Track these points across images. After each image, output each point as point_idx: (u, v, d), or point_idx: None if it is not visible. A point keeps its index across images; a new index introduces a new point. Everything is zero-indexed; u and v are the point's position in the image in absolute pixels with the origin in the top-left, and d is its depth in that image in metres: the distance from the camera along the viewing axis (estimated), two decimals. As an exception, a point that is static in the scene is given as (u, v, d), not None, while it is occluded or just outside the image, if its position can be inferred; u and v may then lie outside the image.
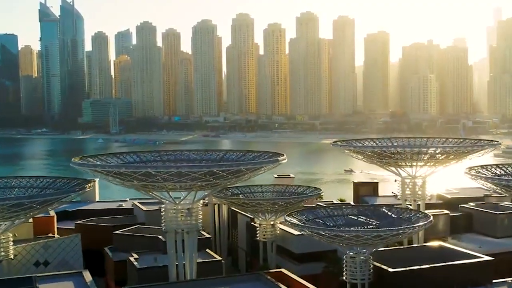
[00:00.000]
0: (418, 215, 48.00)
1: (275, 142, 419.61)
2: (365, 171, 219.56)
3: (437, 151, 60.02)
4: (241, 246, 71.96)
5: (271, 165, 48.86)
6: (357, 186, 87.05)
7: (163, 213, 50.20)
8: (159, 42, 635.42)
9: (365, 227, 47.80)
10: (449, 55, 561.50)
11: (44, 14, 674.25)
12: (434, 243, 54.81)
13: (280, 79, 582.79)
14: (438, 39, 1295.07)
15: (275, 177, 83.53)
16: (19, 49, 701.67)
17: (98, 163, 48.69)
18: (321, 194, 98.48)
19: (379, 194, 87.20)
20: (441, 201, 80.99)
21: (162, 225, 50.62)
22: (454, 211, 74.87)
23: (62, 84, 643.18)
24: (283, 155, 52.20)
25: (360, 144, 68.54)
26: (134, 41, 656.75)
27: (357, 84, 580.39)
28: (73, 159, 48.32)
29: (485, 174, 53.90)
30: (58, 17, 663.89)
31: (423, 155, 60.50)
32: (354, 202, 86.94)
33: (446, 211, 71.79)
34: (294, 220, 47.05)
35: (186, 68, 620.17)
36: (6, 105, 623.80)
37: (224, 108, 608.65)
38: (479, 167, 55.63)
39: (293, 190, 64.23)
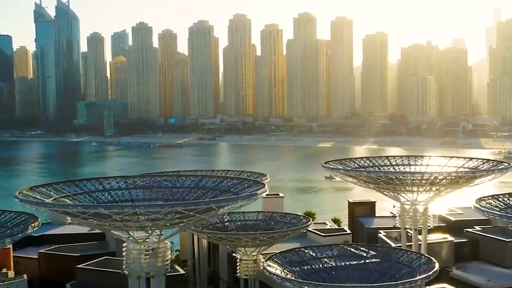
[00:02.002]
0: (420, 260, 41.14)
1: (272, 145, 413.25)
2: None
3: (440, 177, 53.09)
4: (223, 278, 65.12)
5: (247, 200, 41.91)
6: (352, 205, 79.77)
7: (124, 253, 43.14)
8: (155, 43, 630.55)
9: (360, 271, 41.05)
10: (448, 56, 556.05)
11: (39, 14, 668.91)
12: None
13: (277, 81, 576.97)
14: (437, 40, 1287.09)
15: (263, 197, 76.28)
16: (14, 50, 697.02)
17: (40, 199, 41.56)
18: (314, 215, 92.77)
19: (376, 215, 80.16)
20: (444, 224, 74.06)
21: (123, 266, 43.59)
22: (458, 236, 68.08)
23: (57, 85, 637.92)
24: (264, 185, 45.25)
25: (353, 166, 61.57)
26: (130, 42, 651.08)
27: (355, 85, 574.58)
28: (18, 192, 41.25)
29: (499, 205, 47.09)
30: (53, 18, 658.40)
31: (425, 181, 53.59)
32: (349, 223, 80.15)
33: (450, 238, 64.97)
34: (275, 267, 40.21)
35: (183, 69, 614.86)
36: (1, 106, 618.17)
37: (221, 109, 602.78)
38: (490, 197, 48.79)
39: (279, 219, 57.24)
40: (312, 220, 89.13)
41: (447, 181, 53.65)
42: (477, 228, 69.66)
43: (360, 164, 65.07)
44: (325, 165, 59.60)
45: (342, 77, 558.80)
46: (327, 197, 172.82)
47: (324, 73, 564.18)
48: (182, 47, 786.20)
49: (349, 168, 63.00)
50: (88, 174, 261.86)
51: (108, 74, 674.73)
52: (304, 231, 63.14)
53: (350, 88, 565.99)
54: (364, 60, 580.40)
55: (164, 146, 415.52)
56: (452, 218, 74.99)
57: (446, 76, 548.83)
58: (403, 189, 55.56)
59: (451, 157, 65.28)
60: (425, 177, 53.51)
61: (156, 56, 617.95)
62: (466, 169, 61.90)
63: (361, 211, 79.03)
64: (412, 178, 52.90)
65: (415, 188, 55.05)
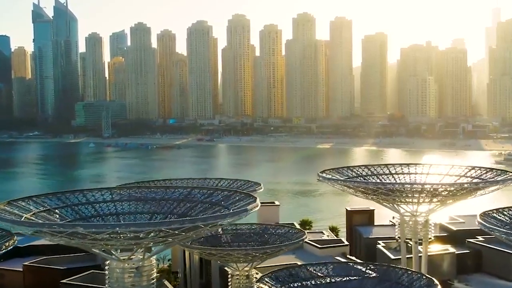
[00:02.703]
0: (421, 281, 38.60)
1: (270, 146, 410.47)
2: None
3: (441, 189, 50.65)
4: (215, 292, 62.61)
5: (237, 217, 39.41)
6: (350, 214, 77.28)
7: (107, 272, 40.65)
8: (154, 44, 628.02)
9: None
10: (448, 56, 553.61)
11: (37, 15, 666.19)
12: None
13: (276, 81, 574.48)
14: (436, 40, 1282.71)
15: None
16: (12, 50, 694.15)
17: (18, 214, 39.03)
18: (310, 223, 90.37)
19: (376, 223, 77.66)
20: (445, 233, 71.59)
21: (106, 285, 41.13)
22: (460, 246, 65.75)
23: (55, 86, 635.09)
24: (255, 199, 42.74)
25: (351, 175, 59.14)
26: (128, 43, 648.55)
27: (354, 86, 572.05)
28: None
29: (504, 219, 44.53)
30: (52, 18, 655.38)
31: (426, 193, 51.15)
32: (347, 233, 77.73)
33: (451, 250, 62.54)
34: (267, 288, 37.75)
35: (181, 70, 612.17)
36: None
37: (220, 110, 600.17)
38: (495, 211, 46.27)
39: (273, 231, 54.67)
40: (309, 229, 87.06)
41: (449, 193, 51.30)
42: (480, 238, 67.27)
43: (358, 172, 62.65)
44: (321, 174, 57.20)
45: (341, 78, 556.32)
46: (325, 202, 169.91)
47: (323, 74, 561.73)
48: (181, 47, 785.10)
49: (347, 177, 60.64)
50: (85, 177, 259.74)
51: (106, 75, 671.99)
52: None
53: (349, 89, 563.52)
54: (363, 60, 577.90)
55: (162, 148, 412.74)
56: (454, 228, 72.51)
57: (446, 76, 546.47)
58: (403, 201, 53.19)
59: (452, 165, 62.88)
60: (425, 189, 51.11)
61: (154, 56, 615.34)
62: (469, 177, 59.54)
63: (360, 220, 76.62)
64: (412, 189, 50.51)
65: (416, 200, 52.68)
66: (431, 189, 50.68)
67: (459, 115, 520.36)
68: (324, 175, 56.78)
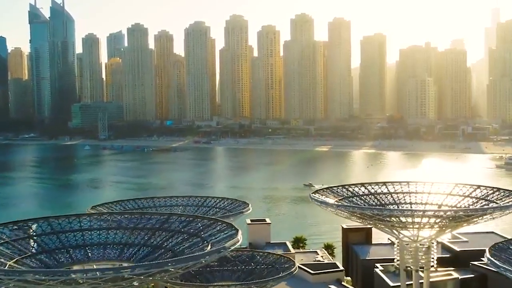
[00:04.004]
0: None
1: (268, 149, 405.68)
2: (326, 185, 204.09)
3: (444, 216, 46.18)
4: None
5: (214, 255, 34.88)
6: (346, 232, 72.56)
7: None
8: (151, 45, 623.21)
9: None
10: (448, 57, 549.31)
11: (33, 15, 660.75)
12: None
13: (274, 83, 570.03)
14: (436, 41, 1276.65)
15: (248, 224, 69.40)
16: (9, 51, 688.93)
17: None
18: (304, 240, 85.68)
19: (374, 241, 73.00)
20: (448, 254, 67.00)
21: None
22: (463, 269, 61.23)
23: (52, 87, 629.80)
24: (237, 231, 38.44)
25: (346, 194, 54.67)
26: (126, 43, 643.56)
27: (353, 87, 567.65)
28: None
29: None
30: (48, 19, 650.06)
31: (428, 218, 46.66)
32: (342, 253, 73.15)
33: (455, 275, 57.97)
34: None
35: (179, 70, 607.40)
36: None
37: (218, 112, 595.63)
38: (504, 242, 41.85)
39: (261, 259, 50.01)
40: (303, 247, 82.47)
41: (453, 218, 46.81)
42: (485, 260, 62.61)
43: (354, 191, 58.18)
44: (313, 196, 52.66)
45: (340, 79, 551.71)
46: (322, 211, 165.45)
47: (322, 75, 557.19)
48: (179, 48, 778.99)
49: (341, 197, 56.12)
50: (79, 181, 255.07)
51: (103, 76, 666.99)
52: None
53: (348, 90, 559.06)
54: (362, 61, 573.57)
55: (159, 150, 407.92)
56: (457, 248, 67.90)
57: (445, 77, 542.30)
58: (402, 226, 48.67)
59: (456, 183, 58.37)
60: (427, 215, 46.60)
61: (152, 57, 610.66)
62: (474, 198, 55.17)
63: (356, 238, 71.96)
64: (412, 216, 46.03)
65: (416, 225, 48.14)
66: (434, 215, 46.21)
67: (459, 117, 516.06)
68: (316, 196, 52.24)
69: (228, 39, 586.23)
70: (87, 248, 42.19)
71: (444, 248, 68.57)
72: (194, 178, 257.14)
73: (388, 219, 46.87)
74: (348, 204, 50.82)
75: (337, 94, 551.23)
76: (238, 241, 36.25)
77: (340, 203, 50.34)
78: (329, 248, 78.10)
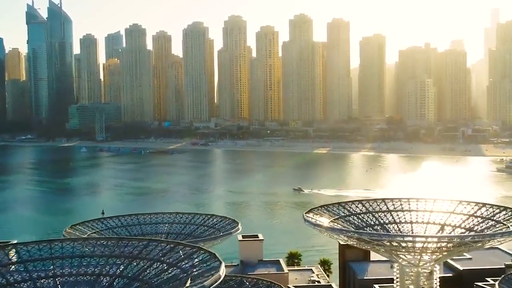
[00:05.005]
0: None
1: (266, 151, 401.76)
2: (316, 190, 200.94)
3: (449, 243, 42.61)
4: None
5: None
6: (343, 248, 68.82)
7: None
8: (149, 45, 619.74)
9: None
10: (447, 58, 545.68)
11: (31, 16, 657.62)
12: None
13: (273, 84, 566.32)
14: (435, 41, 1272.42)
15: (239, 240, 65.77)
16: (6, 52, 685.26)
17: None
18: (299, 256, 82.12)
19: (372, 259, 69.33)
20: (450, 273, 63.39)
21: None
22: (467, 290, 57.56)
23: (49, 88, 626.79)
24: (220, 263, 34.90)
25: (342, 213, 51.14)
26: (124, 44, 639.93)
27: (352, 88, 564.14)
28: None
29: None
30: (46, 19, 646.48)
31: (430, 245, 43.10)
32: (339, 270, 69.53)
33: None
34: None
35: (177, 71, 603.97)
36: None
37: (216, 113, 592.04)
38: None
39: (250, 285, 46.44)
40: (297, 263, 78.87)
41: (459, 245, 43.26)
42: (490, 281, 58.99)
43: (351, 210, 54.65)
44: (307, 216, 49.09)
45: (339, 80, 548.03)
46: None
47: (321, 76, 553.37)
48: (177, 49, 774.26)
49: (337, 216, 52.56)
50: (73, 186, 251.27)
51: (101, 77, 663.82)
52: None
53: (347, 91, 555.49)
54: (361, 62, 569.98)
55: (156, 152, 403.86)
56: (460, 267, 64.19)
57: (445, 79, 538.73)
58: (403, 251, 45.10)
59: (460, 201, 54.83)
60: (430, 241, 43.01)
61: (150, 58, 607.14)
62: (479, 217, 51.67)
63: (354, 255, 68.22)
64: (414, 242, 42.47)
65: (418, 250, 44.56)
66: (437, 243, 42.63)
67: (459, 118, 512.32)
68: (310, 217, 48.66)
69: (227, 40, 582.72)
70: (57, 279, 38.65)
71: (446, 266, 64.99)
72: (191, 182, 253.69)
73: (388, 244, 43.27)
74: (344, 228, 47.21)
75: (336, 95, 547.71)
76: (220, 278, 32.70)
77: (335, 226, 46.72)
78: (325, 264, 74.56)
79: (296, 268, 69.47)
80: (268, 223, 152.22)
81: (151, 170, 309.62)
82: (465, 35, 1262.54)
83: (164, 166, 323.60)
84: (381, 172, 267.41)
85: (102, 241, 42.35)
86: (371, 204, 55.02)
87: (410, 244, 43.20)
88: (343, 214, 53.06)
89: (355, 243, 46.46)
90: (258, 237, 67.35)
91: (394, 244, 43.48)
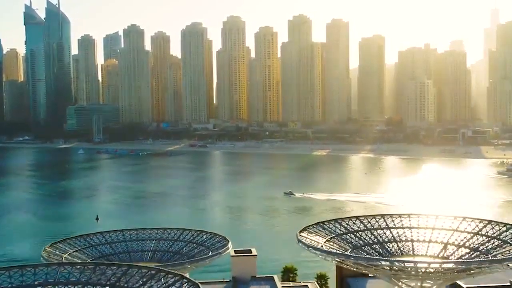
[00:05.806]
0: None
1: (265, 153, 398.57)
2: (308, 194, 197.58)
3: (454, 269, 39.56)
4: None
5: None
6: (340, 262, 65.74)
7: None
8: (148, 46, 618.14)
9: None
10: (447, 59, 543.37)
11: (29, 16, 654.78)
12: None
13: (272, 85, 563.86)
14: (435, 42, 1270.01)
15: (231, 256, 62.42)
16: (4, 52, 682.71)
17: None
18: (295, 271, 78.98)
19: (370, 274, 66.05)
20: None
21: None
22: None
23: (48, 89, 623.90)
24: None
25: (339, 231, 48.13)
26: (122, 45, 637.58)
27: (351, 89, 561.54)
28: None
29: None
30: (44, 20, 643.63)
31: (433, 270, 40.02)
32: (336, 286, 66.24)
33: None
34: None
35: (175, 72, 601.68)
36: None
37: (215, 114, 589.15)
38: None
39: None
40: (293, 278, 75.72)
41: (464, 271, 40.21)
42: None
43: (348, 227, 51.65)
44: (301, 236, 46.03)
45: (338, 81, 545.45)
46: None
47: (320, 77, 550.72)
48: (175, 50, 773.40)
49: (334, 235, 49.52)
50: (69, 190, 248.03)
51: (99, 78, 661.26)
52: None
53: (346, 92, 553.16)
54: (360, 63, 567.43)
55: (154, 154, 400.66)
56: (463, 284, 61.01)
57: (445, 79, 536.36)
58: (403, 276, 42.03)
59: (464, 217, 51.79)
60: (433, 267, 39.96)
61: (148, 59, 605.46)
62: (484, 236, 48.66)
63: (351, 271, 64.69)
64: (416, 268, 39.42)
65: (420, 276, 41.49)
66: (441, 268, 39.59)
67: (459, 119, 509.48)
68: (304, 236, 45.60)
69: (225, 41, 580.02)
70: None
71: (451, 284, 61.76)
72: (188, 185, 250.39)
73: (387, 268, 40.23)
74: (340, 252, 44.21)
75: (335, 96, 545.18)
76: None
77: (330, 247, 43.67)
78: (322, 278, 71.37)
79: (291, 284, 66.33)
80: (262, 230, 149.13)
81: (148, 173, 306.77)
82: (465, 35, 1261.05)
83: (161, 169, 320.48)
84: (380, 176, 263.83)
85: (78, 267, 39.22)
86: (369, 220, 52.10)
87: (411, 269, 40.15)
88: (339, 232, 50.16)
89: (352, 267, 43.43)
90: (251, 252, 64.12)
91: (395, 268, 40.44)
